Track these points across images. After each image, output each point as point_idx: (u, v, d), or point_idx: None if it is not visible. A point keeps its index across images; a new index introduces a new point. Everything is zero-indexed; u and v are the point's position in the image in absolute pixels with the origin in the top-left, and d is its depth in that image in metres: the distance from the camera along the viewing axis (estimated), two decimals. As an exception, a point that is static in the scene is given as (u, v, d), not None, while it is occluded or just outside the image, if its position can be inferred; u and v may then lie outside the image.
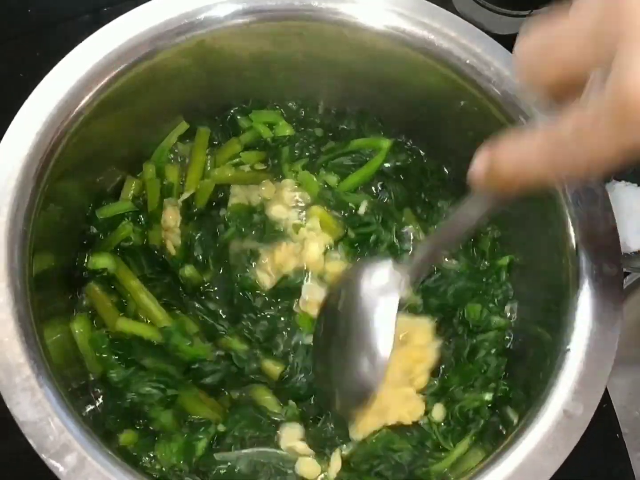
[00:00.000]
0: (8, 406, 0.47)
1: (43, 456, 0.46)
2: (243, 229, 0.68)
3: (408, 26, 0.59)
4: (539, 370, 0.56)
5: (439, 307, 0.67)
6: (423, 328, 0.64)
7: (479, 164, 0.37)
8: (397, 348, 0.56)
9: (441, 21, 0.60)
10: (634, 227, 0.77)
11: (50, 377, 0.48)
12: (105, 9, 0.82)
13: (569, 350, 0.53)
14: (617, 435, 0.73)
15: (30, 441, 0.46)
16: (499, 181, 0.36)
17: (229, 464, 0.61)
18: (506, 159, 0.36)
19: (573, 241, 0.56)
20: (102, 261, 0.65)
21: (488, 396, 0.63)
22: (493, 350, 0.65)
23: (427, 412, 0.64)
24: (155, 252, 0.67)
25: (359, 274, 0.55)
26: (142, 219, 0.68)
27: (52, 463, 0.46)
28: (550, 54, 0.32)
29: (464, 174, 0.69)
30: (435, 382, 0.65)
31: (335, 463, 0.61)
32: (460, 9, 0.83)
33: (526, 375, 0.61)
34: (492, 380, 0.64)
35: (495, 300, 0.67)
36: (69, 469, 0.46)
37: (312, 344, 0.63)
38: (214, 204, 0.70)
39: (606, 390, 0.74)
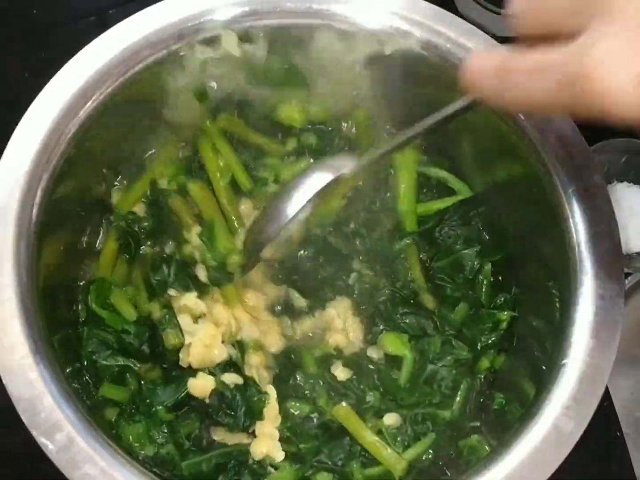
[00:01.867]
0: (4, 382, 0.48)
1: (34, 432, 0.47)
2: None
3: (407, 27, 0.60)
4: (533, 382, 0.56)
5: None
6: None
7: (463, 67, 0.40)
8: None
9: (443, 23, 0.60)
10: (636, 228, 0.76)
11: (46, 356, 0.49)
12: (111, 11, 0.83)
13: (564, 365, 0.53)
14: (618, 434, 0.72)
15: (23, 417, 0.47)
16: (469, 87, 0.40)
17: None
18: (471, 70, 0.39)
19: (576, 257, 0.56)
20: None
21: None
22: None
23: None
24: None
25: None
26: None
27: (42, 440, 0.47)
28: (539, 11, 0.35)
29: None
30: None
31: None
32: (462, 10, 0.84)
33: (520, 386, 0.61)
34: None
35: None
36: (59, 447, 0.47)
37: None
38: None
39: (607, 389, 0.73)
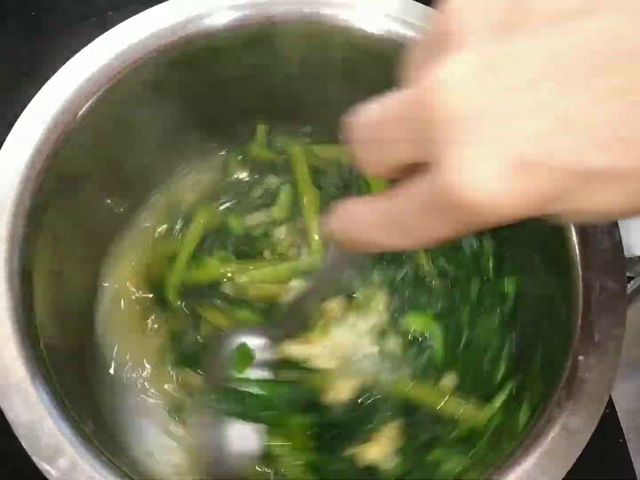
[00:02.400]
0: (2, 407, 0.47)
1: (35, 459, 0.45)
2: None
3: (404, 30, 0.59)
4: (541, 384, 0.55)
5: None
6: None
7: (327, 222, 0.36)
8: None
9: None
10: (639, 232, 0.76)
11: (46, 379, 0.48)
12: (111, 13, 0.83)
13: (570, 365, 0.52)
14: (620, 440, 0.72)
15: (23, 443, 0.46)
16: (343, 242, 0.36)
17: None
18: (346, 223, 0.35)
19: (577, 258, 0.56)
20: None
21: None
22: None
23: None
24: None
25: None
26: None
27: (44, 466, 0.45)
28: (377, 147, 0.31)
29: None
30: None
31: None
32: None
33: (527, 389, 0.61)
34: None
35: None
36: (62, 472, 0.45)
37: None
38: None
39: (609, 395, 0.73)
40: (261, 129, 0.72)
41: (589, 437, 0.50)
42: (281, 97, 0.69)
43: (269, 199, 0.72)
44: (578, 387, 0.51)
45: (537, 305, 0.64)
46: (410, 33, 0.59)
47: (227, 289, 0.68)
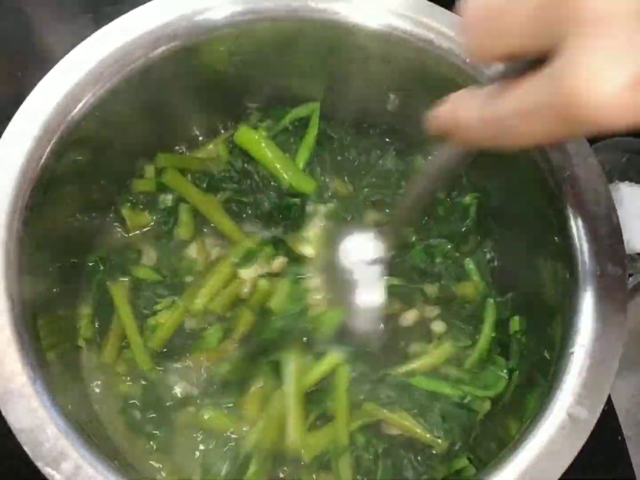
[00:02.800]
0: (4, 413, 0.46)
1: (39, 464, 0.45)
2: None
3: (406, 26, 0.59)
4: (544, 373, 0.55)
5: None
6: None
7: (432, 117, 0.38)
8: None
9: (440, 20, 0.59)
10: (638, 229, 0.76)
11: (47, 384, 0.48)
12: (107, 8, 0.81)
13: (572, 353, 0.52)
14: (620, 438, 0.72)
15: (26, 448, 0.45)
16: (449, 135, 0.37)
17: None
18: (451, 117, 0.36)
19: (576, 242, 0.55)
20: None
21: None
22: None
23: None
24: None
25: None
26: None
27: (48, 471, 0.45)
28: (496, 27, 0.31)
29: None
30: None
31: None
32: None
33: (530, 377, 0.61)
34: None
35: None
36: (66, 476, 0.45)
37: None
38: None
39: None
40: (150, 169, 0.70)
41: (593, 425, 0.50)
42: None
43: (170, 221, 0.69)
44: (581, 375, 0.51)
45: (537, 296, 0.64)
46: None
47: (193, 323, 0.65)
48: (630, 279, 0.76)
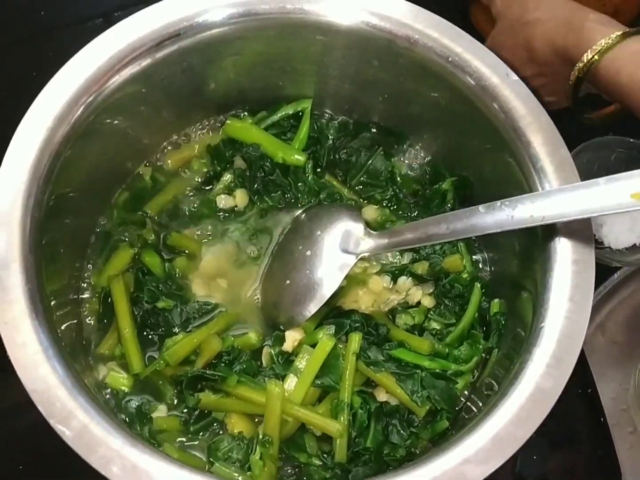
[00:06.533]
0: (20, 377, 0.51)
1: (51, 421, 0.50)
2: None
3: (391, 26, 0.64)
4: (516, 345, 0.59)
5: None
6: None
7: None
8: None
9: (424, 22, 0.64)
10: (625, 225, 0.78)
11: (58, 350, 0.53)
12: (117, 13, 0.87)
13: (543, 327, 0.56)
14: (602, 419, 0.75)
15: (39, 408, 0.50)
16: None
17: None
18: None
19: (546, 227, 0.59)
20: None
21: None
22: None
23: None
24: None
25: (332, 220, 0.67)
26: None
27: (59, 428, 0.50)
28: None
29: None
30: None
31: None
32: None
33: (503, 349, 0.65)
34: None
35: None
36: (75, 433, 0.50)
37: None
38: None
39: (592, 376, 0.76)
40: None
41: (559, 394, 0.53)
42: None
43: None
44: (548, 350, 0.55)
45: (511, 280, 0.69)
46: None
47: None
48: (618, 272, 0.79)
